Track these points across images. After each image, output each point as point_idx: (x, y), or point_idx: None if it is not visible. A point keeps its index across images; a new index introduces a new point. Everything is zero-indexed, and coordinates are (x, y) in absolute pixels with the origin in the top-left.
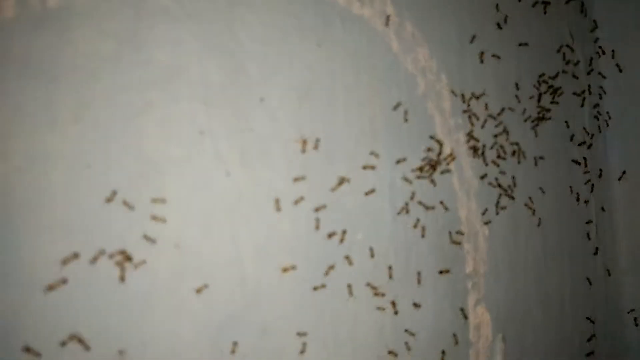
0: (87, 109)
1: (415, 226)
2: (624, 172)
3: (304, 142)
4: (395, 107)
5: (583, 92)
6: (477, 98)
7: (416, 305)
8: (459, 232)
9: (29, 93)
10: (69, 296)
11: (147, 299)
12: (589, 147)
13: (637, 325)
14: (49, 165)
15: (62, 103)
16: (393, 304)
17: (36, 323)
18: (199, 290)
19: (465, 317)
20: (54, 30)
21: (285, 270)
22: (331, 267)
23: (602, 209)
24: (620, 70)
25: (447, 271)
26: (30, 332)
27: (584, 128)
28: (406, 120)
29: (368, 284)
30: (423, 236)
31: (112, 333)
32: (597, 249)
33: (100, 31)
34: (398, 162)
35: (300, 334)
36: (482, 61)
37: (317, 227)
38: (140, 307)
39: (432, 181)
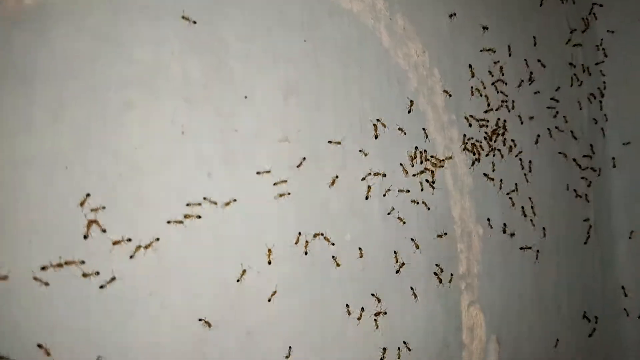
0: (65, 109)
1: (402, 222)
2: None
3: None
4: (409, 111)
5: (581, 83)
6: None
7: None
8: (440, 235)
9: (6, 93)
10: (47, 301)
11: (126, 304)
12: (591, 147)
13: (628, 315)
14: (26, 167)
15: (39, 103)
16: (378, 311)
17: (14, 327)
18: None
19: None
20: (31, 29)
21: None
22: (318, 269)
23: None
24: (606, 56)
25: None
26: (7, 337)
27: (583, 124)
28: (409, 111)
29: (357, 286)
30: (414, 242)
31: (91, 339)
32: (588, 235)
33: (78, 29)
34: (389, 160)
35: (286, 338)
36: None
37: (269, 260)
38: (120, 312)
39: (429, 181)
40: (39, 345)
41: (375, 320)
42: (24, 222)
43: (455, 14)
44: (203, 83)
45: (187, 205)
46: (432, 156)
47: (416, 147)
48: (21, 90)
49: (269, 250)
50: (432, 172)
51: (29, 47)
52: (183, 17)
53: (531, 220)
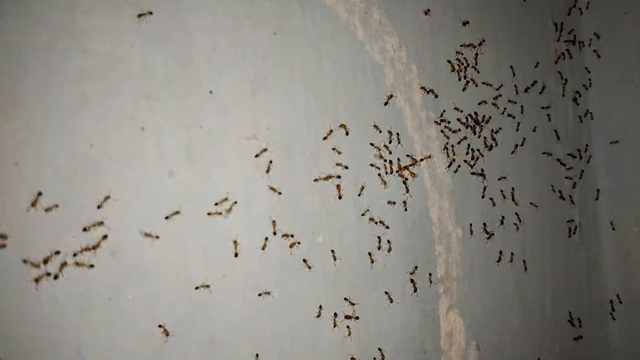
0: (18, 104)
1: (375, 222)
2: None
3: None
4: (386, 103)
5: (566, 82)
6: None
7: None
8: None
9: None
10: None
11: (82, 306)
12: (582, 154)
13: (614, 319)
14: None
15: None
16: (349, 314)
17: None
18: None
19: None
20: None
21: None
22: (289, 272)
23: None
24: (599, 56)
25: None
26: None
27: (567, 124)
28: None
29: (330, 289)
30: (390, 245)
31: (45, 343)
32: (573, 232)
33: (32, 21)
34: (363, 159)
35: (253, 346)
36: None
37: (274, 230)
38: (74, 315)
39: (405, 182)
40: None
41: (347, 326)
42: None
43: (429, 10)
44: (166, 77)
45: (147, 204)
46: (407, 155)
47: (391, 160)
48: None
49: (235, 243)
50: (410, 173)
51: None
52: (139, 16)
53: (516, 222)
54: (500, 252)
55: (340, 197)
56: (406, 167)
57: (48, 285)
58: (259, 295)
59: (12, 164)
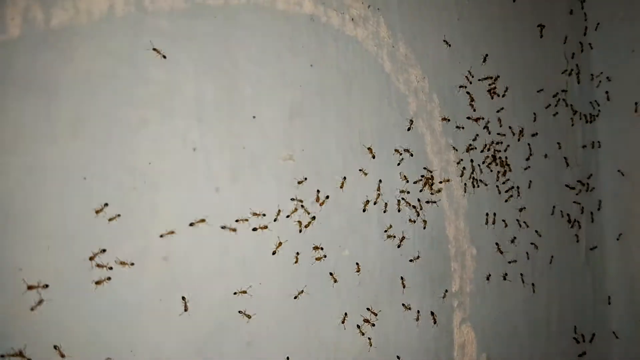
0: (85, 124)
1: (399, 241)
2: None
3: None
4: (409, 128)
5: (575, 113)
6: (477, 120)
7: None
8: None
9: (30, 108)
10: (59, 304)
11: (135, 309)
12: (590, 178)
13: (617, 338)
14: (47, 178)
15: (61, 118)
16: (368, 319)
17: (27, 329)
18: (186, 302)
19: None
20: (56, 49)
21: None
22: (317, 283)
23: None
24: (609, 99)
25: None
26: (21, 339)
27: (577, 151)
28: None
29: (354, 300)
30: (412, 260)
31: (100, 341)
32: (577, 235)
33: (100, 50)
34: (386, 180)
35: (284, 349)
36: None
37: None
38: (128, 316)
39: (430, 202)
40: (55, 347)
41: (369, 338)
42: (43, 229)
43: (448, 44)
44: (215, 103)
45: (195, 216)
46: (428, 178)
47: (424, 172)
48: (44, 103)
49: (279, 243)
50: (432, 193)
51: (54, 64)
52: (154, 50)
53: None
54: (512, 268)
55: (364, 210)
56: (430, 187)
57: (107, 286)
58: (294, 297)
59: (81, 178)
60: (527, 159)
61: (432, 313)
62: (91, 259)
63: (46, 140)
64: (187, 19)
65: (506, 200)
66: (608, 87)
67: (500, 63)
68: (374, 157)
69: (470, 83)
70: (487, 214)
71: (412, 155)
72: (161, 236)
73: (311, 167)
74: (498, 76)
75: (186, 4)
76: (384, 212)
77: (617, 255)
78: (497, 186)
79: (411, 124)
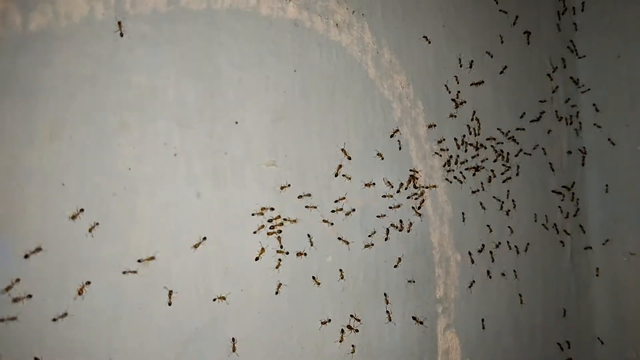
0: (64, 127)
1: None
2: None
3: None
4: (392, 135)
5: (560, 119)
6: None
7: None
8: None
9: (8, 111)
10: (34, 309)
11: (114, 314)
12: (575, 184)
13: (602, 344)
14: (25, 181)
15: (39, 121)
16: (350, 326)
17: (3, 336)
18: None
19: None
20: (34, 52)
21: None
22: (300, 287)
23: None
24: (597, 110)
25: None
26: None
27: (562, 158)
28: (400, 148)
29: (337, 306)
30: (396, 266)
31: (79, 348)
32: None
33: (80, 53)
34: (369, 185)
35: (266, 354)
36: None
37: (280, 244)
38: (107, 321)
39: (414, 208)
40: (36, 358)
41: (352, 345)
42: (21, 233)
43: (428, 40)
44: (197, 107)
45: (176, 221)
46: (413, 177)
47: (411, 171)
48: (23, 107)
49: (262, 250)
50: (421, 200)
51: (33, 67)
52: (118, 23)
53: (511, 246)
54: (497, 274)
55: (347, 214)
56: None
57: (86, 293)
58: (275, 293)
59: (59, 183)
60: (509, 168)
61: (414, 318)
62: None
63: (24, 143)
64: (168, 22)
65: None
66: (594, 93)
67: (486, 69)
68: (349, 158)
69: (457, 94)
70: (463, 213)
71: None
72: (139, 261)
73: (294, 172)
74: (482, 81)
75: (168, 8)
76: (367, 217)
77: (603, 261)
78: (481, 190)
79: (395, 132)
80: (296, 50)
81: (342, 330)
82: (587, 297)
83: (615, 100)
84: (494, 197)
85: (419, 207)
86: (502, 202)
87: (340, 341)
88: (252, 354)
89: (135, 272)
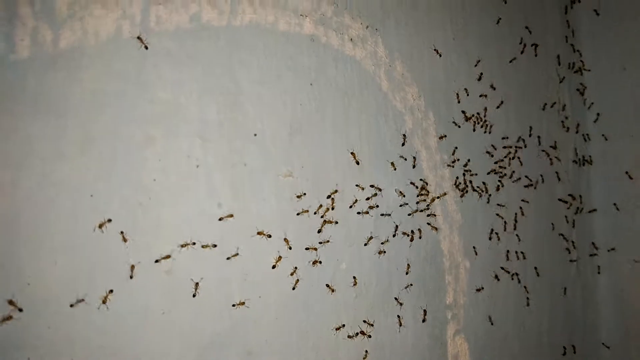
0: (93, 142)
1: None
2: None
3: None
4: (403, 143)
5: (568, 130)
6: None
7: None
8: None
9: (40, 127)
10: (65, 318)
11: (139, 319)
12: (581, 197)
13: (608, 348)
14: (56, 194)
15: (69, 136)
16: (364, 330)
17: (37, 341)
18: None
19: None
20: (65, 69)
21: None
22: (315, 294)
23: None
24: (602, 120)
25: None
26: (30, 354)
27: (567, 167)
28: (404, 158)
29: (350, 312)
30: (407, 273)
31: (106, 354)
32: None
33: (108, 70)
34: (384, 195)
35: (283, 358)
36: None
37: (289, 246)
38: (133, 327)
39: (430, 224)
40: None
41: (365, 350)
42: (51, 243)
43: (439, 53)
44: (217, 121)
45: (198, 231)
46: (422, 193)
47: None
48: (53, 122)
49: (279, 258)
50: (432, 211)
51: (62, 84)
52: (138, 38)
53: (518, 254)
54: (505, 281)
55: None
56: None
57: (113, 300)
58: (292, 289)
59: (88, 195)
60: (518, 179)
61: (425, 312)
62: None
63: (55, 157)
64: (191, 39)
65: (497, 214)
66: (599, 104)
67: (495, 81)
68: (358, 162)
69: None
70: (491, 230)
71: (414, 166)
72: (157, 261)
73: (310, 183)
74: (493, 87)
75: (191, 25)
76: (380, 226)
77: (608, 268)
78: (489, 200)
79: (405, 139)
80: (312, 65)
81: (357, 334)
82: (593, 303)
83: (620, 111)
84: (500, 204)
85: (430, 217)
86: (508, 209)
87: (353, 337)
88: (271, 358)
89: (169, 256)
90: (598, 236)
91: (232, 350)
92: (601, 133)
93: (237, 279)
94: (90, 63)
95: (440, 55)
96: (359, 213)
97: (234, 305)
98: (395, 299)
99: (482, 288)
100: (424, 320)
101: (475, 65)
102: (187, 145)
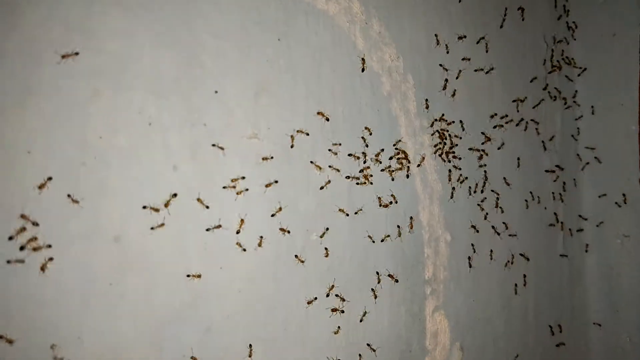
0: (32, 94)
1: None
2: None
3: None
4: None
5: (555, 99)
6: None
7: (366, 313)
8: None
9: None
10: (2, 290)
11: (83, 293)
12: (566, 165)
13: (600, 326)
14: None
15: (5, 88)
16: (337, 307)
17: None
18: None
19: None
20: (0, 14)
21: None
22: (283, 266)
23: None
24: (592, 90)
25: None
26: None
27: (554, 139)
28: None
29: (322, 285)
30: (383, 240)
31: (44, 327)
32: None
33: (49, 17)
34: (356, 159)
35: (246, 335)
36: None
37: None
38: (76, 301)
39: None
40: (0, 336)
41: (338, 326)
42: None
43: (438, 40)
44: (174, 77)
45: (150, 196)
46: (400, 157)
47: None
48: None
49: (242, 221)
50: (404, 168)
51: None
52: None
53: (500, 228)
54: (488, 256)
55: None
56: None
57: (53, 269)
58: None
59: (25, 152)
60: (503, 145)
61: (391, 276)
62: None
63: None
64: None
65: (482, 189)
66: (588, 72)
67: (478, 45)
68: (327, 119)
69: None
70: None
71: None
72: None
73: (278, 146)
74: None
75: None
76: (355, 194)
77: (597, 244)
78: (472, 170)
79: (363, 64)
80: (280, 19)
81: (329, 310)
82: (581, 280)
83: (610, 80)
84: (485, 176)
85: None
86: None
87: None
88: (233, 335)
89: (22, 261)
90: (586, 210)
91: (188, 326)
92: (589, 103)
93: (195, 248)
94: (30, 8)
95: (438, 43)
96: (330, 181)
97: (188, 276)
98: (377, 273)
99: (471, 265)
100: (396, 281)
101: (461, 40)
102: (138, 101)
